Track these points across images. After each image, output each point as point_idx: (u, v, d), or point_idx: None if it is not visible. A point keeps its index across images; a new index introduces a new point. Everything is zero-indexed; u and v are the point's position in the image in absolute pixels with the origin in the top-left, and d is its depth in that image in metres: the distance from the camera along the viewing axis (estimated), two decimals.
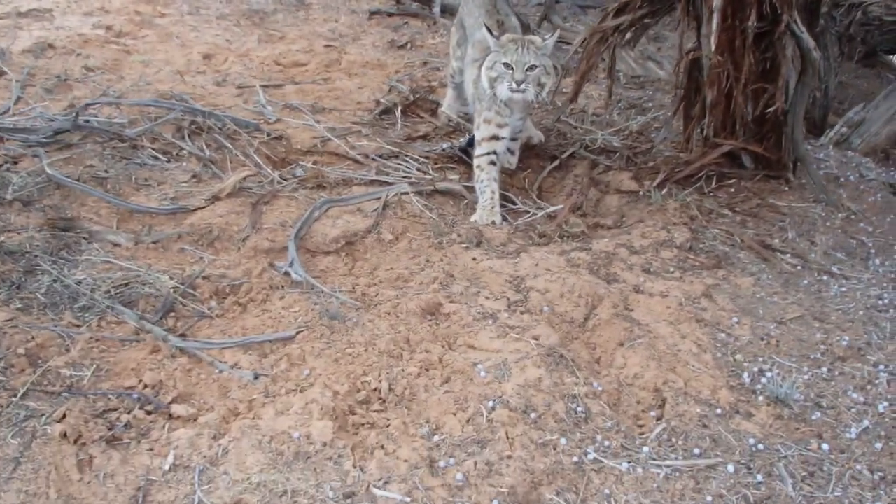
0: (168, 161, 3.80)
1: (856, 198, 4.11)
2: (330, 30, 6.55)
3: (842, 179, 4.26)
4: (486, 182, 3.65)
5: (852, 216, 3.89)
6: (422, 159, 4.05)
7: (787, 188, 4.04)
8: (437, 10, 7.02)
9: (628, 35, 3.87)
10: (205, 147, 3.93)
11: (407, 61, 5.86)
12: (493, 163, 3.71)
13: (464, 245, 3.30)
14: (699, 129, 4.00)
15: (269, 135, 4.19)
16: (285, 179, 3.74)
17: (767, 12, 3.36)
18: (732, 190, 3.98)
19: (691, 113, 3.95)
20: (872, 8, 3.88)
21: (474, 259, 3.19)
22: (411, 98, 4.82)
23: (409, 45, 6.21)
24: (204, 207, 3.36)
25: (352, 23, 6.77)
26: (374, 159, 4.02)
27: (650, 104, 5.19)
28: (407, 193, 3.61)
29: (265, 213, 3.38)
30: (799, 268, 3.38)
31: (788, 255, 3.45)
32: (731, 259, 3.37)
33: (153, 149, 3.85)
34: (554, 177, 4.15)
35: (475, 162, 3.75)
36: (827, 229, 3.73)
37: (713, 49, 3.47)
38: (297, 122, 4.44)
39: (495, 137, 3.73)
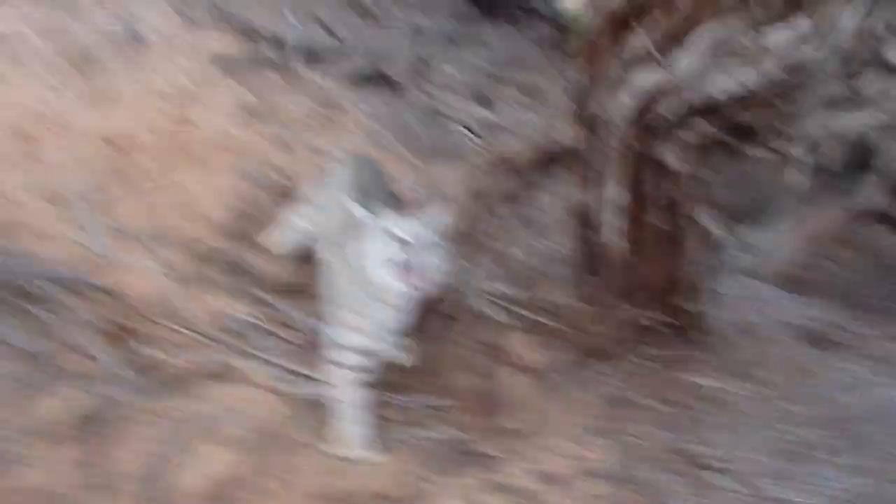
0: None
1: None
2: (171, 82, 5.77)
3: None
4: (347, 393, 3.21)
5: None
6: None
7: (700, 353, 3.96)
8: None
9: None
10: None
11: (261, 139, 5.26)
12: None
13: None
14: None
15: (100, 289, 3.61)
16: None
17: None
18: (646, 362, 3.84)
19: (586, 276, 3.73)
20: None
21: None
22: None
23: (263, 113, 5.57)
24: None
25: (197, 72, 5.99)
26: (226, 332, 3.56)
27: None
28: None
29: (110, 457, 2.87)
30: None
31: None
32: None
33: None
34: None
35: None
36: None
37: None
38: (133, 261, 3.85)
39: None
